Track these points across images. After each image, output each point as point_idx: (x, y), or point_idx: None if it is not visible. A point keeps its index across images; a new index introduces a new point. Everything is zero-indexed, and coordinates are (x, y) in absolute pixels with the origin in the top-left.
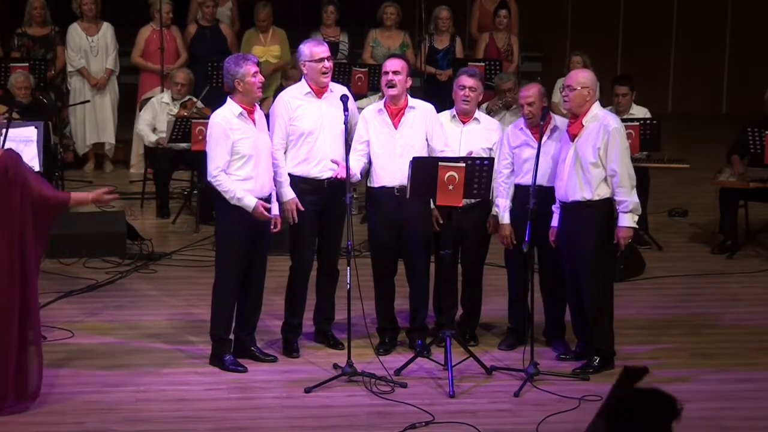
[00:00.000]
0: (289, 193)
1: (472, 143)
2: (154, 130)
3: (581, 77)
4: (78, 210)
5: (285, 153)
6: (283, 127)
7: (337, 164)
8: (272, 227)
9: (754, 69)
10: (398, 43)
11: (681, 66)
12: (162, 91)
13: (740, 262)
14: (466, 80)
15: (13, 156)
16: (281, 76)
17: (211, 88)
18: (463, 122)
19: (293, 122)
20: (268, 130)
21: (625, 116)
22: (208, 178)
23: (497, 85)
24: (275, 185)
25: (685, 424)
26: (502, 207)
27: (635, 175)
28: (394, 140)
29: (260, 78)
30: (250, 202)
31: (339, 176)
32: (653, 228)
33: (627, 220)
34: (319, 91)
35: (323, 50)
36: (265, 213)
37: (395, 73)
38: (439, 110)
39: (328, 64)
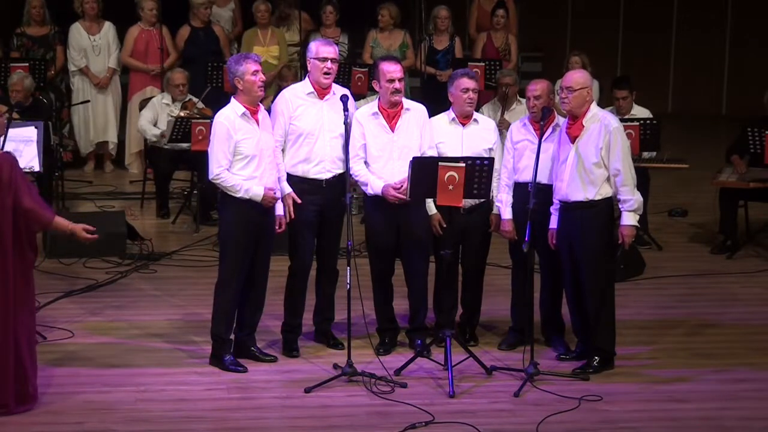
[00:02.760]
0: (285, 188)
1: (473, 145)
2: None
3: (579, 78)
4: (78, 210)
5: (283, 151)
6: (283, 125)
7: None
8: (276, 227)
9: (754, 69)
10: (398, 43)
11: (681, 66)
12: (162, 91)
13: (740, 262)
14: (469, 83)
15: (10, 160)
16: (276, 76)
17: (211, 89)
18: (463, 124)
19: (293, 121)
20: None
21: (625, 116)
22: (210, 177)
23: (497, 79)
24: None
25: (685, 424)
26: (505, 202)
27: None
28: (392, 143)
29: (261, 77)
30: (258, 191)
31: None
32: (653, 228)
33: (631, 219)
34: (322, 92)
35: (329, 51)
36: (275, 195)
37: (400, 80)
38: (438, 111)
39: (330, 65)
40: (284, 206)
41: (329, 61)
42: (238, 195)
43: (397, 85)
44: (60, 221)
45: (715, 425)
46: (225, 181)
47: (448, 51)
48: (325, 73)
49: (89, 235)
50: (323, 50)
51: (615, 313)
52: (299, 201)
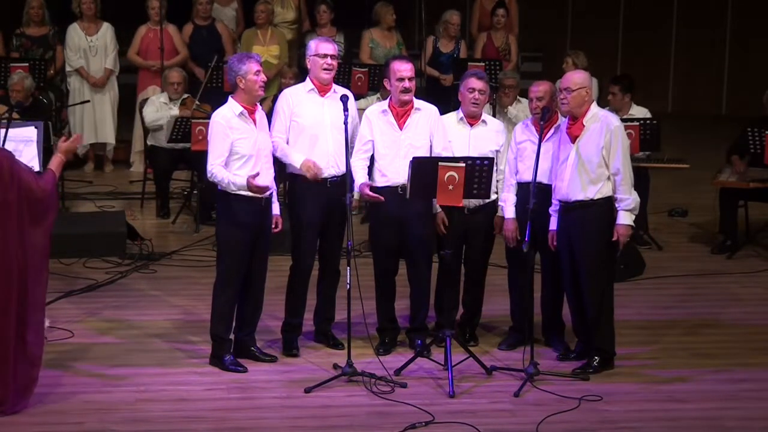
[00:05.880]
0: (299, 158)
1: (480, 146)
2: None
3: (577, 78)
4: (78, 210)
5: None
6: (284, 121)
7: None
8: (273, 227)
9: (754, 69)
10: (394, 42)
11: (681, 66)
12: (162, 90)
13: (740, 262)
14: (476, 83)
15: (7, 155)
16: (279, 75)
17: (208, 88)
18: (471, 125)
19: (294, 117)
20: (269, 128)
21: (625, 116)
22: (207, 176)
23: (500, 81)
24: (280, 159)
25: (685, 424)
26: (508, 201)
27: (634, 176)
28: (399, 141)
29: (263, 77)
30: (242, 181)
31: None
32: (653, 228)
33: (627, 218)
34: (323, 89)
35: (329, 47)
36: (258, 183)
37: (410, 79)
38: (440, 113)
39: (331, 61)
40: (309, 169)
41: (329, 57)
42: (230, 189)
43: (406, 84)
44: (56, 164)
45: (715, 425)
46: (215, 175)
47: (452, 55)
48: (325, 69)
49: (73, 143)
50: (322, 47)
51: (615, 313)
52: (320, 166)
